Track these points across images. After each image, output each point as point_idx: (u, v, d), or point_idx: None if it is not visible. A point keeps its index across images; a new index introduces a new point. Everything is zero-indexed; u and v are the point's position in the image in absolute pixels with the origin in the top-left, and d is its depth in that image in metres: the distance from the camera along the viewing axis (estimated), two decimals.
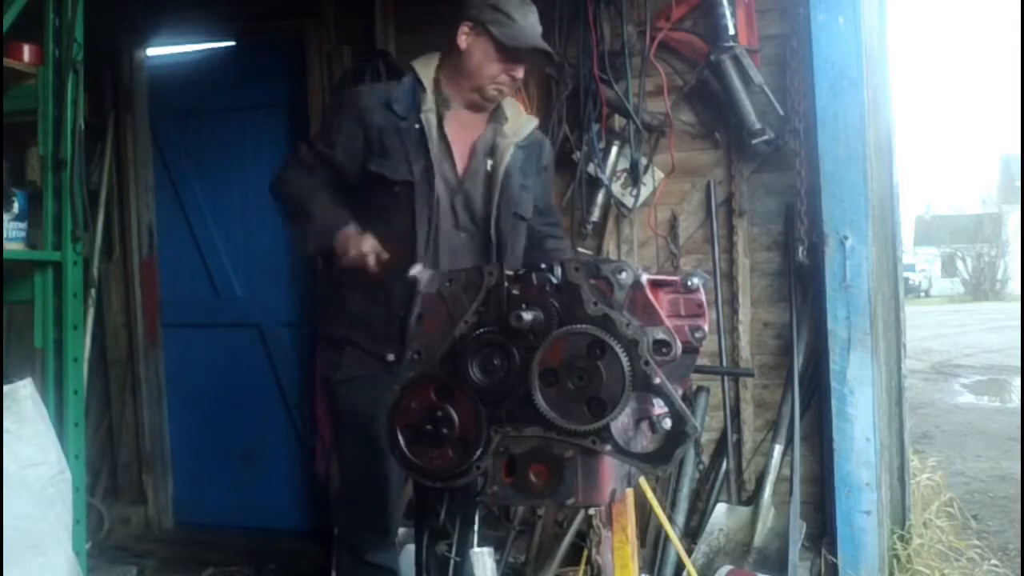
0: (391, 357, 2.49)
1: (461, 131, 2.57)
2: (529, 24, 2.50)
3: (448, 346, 1.62)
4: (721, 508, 3.41)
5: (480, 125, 2.60)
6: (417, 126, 2.49)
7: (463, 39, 2.50)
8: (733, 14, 3.38)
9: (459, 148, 2.55)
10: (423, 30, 3.89)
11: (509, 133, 2.61)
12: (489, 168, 2.58)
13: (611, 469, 1.58)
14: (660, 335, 1.55)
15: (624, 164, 3.57)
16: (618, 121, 3.59)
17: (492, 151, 2.58)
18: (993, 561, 3.63)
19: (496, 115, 2.62)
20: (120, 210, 4.40)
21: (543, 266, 1.63)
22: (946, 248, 39.97)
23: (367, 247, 2.38)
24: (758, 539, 3.32)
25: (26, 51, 2.78)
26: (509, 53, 2.48)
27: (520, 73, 2.53)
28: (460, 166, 2.55)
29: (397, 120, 2.49)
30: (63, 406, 2.73)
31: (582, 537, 3.29)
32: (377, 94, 2.56)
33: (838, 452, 3.11)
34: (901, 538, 3.44)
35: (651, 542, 3.40)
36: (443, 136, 2.52)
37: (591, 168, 3.54)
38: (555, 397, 1.53)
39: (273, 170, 2.68)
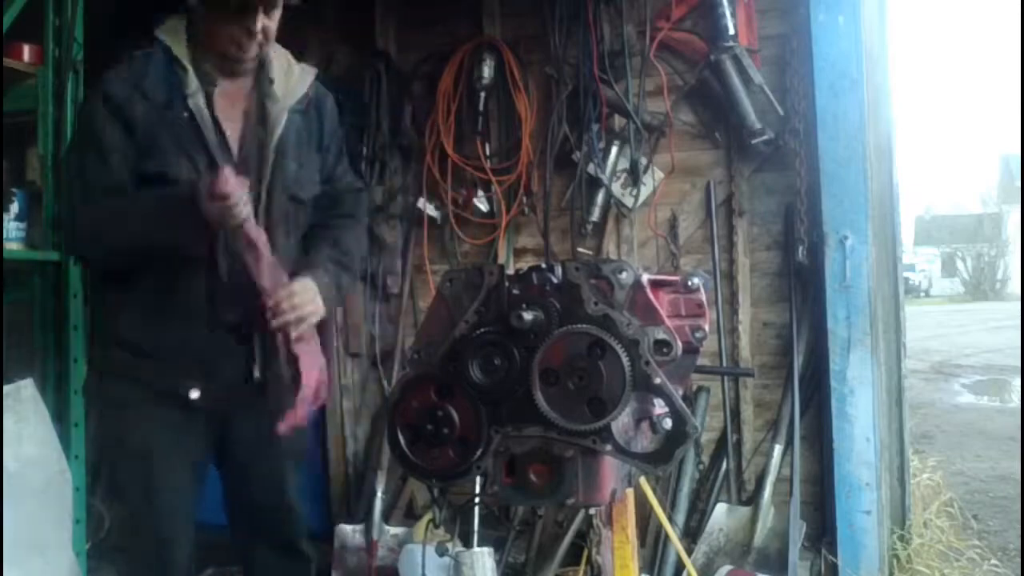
0: (195, 395, 2.05)
1: (229, 108, 2.12)
2: None
3: (448, 346, 1.62)
4: (721, 508, 3.41)
5: (245, 93, 2.14)
6: (186, 114, 2.04)
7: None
8: (733, 14, 3.38)
9: (231, 129, 2.11)
10: (423, 30, 3.90)
11: (279, 95, 2.14)
12: (259, 142, 2.13)
13: (611, 469, 1.58)
14: (660, 335, 1.55)
15: (624, 164, 3.57)
16: (618, 121, 3.59)
17: (263, 120, 2.13)
18: (993, 561, 3.63)
19: (260, 77, 2.14)
20: None
21: (543, 265, 1.63)
22: (946, 248, 39.98)
23: (231, 186, 1.88)
24: (758, 539, 3.32)
25: (26, 51, 2.78)
26: (230, 5, 2.01)
27: (256, 24, 2.02)
28: (235, 149, 2.11)
29: (160, 109, 2.04)
30: (63, 406, 2.73)
31: (582, 537, 3.29)
32: (128, 80, 2.05)
33: (838, 452, 3.11)
34: (901, 538, 3.44)
35: (651, 542, 3.40)
36: (215, 120, 2.07)
37: (591, 168, 3.54)
38: (555, 397, 1.53)
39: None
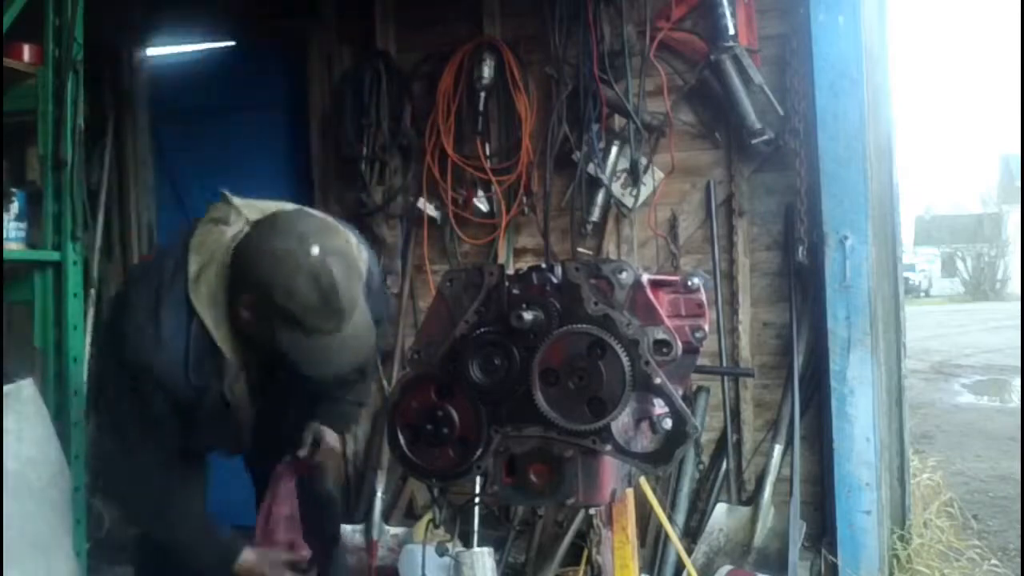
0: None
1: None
2: (332, 346, 1.83)
3: (448, 346, 1.62)
4: (721, 508, 3.41)
5: None
6: (222, 398, 1.98)
7: (245, 313, 1.88)
8: (733, 14, 3.38)
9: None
10: (423, 30, 3.90)
11: None
12: None
13: (611, 469, 1.58)
14: (660, 335, 1.55)
15: (624, 164, 3.57)
16: (618, 121, 3.59)
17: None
18: (993, 561, 3.63)
19: None
20: (120, 210, 4.40)
21: (543, 265, 1.63)
22: (946, 248, 39.94)
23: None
24: (758, 539, 3.32)
25: (26, 51, 2.78)
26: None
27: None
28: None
29: (198, 393, 1.95)
30: (63, 406, 2.73)
31: (582, 537, 3.29)
32: (176, 367, 1.91)
33: (838, 452, 3.12)
34: (901, 538, 3.44)
35: (651, 542, 3.40)
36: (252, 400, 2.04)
37: (591, 168, 3.54)
38: (555, 397, 1.53)
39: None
